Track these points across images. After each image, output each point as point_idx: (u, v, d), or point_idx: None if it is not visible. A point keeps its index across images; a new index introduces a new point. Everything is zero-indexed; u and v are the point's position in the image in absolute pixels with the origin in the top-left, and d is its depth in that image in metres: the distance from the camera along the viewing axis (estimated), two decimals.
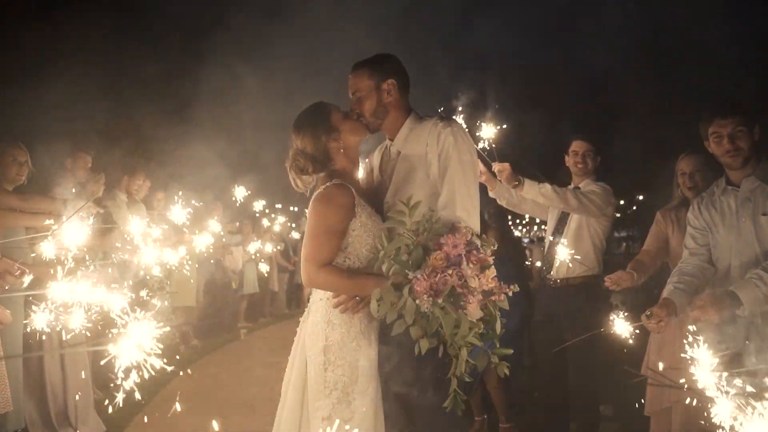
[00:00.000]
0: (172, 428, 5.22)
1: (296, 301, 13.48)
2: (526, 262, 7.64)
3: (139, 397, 1.89)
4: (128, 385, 1.81)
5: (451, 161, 2.62)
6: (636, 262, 3.94)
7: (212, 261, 9.36)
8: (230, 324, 10.60)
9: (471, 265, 2.27)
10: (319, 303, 2.65)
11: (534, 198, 4.13)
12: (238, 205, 10.33)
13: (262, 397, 6.04)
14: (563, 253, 4.03)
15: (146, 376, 1.79)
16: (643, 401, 3.91)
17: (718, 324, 2.83)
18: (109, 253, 4.51)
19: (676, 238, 3.88)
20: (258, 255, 11.10)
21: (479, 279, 2.28)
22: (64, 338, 4.37)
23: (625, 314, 2.92)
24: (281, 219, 13.01)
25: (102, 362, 1.74)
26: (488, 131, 3.94)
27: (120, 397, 1.84)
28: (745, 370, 2.42)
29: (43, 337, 4.32)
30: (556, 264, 4.24)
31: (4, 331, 3.78)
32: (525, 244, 11.52)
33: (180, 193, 6.83)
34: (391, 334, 2.35)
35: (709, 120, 3.05)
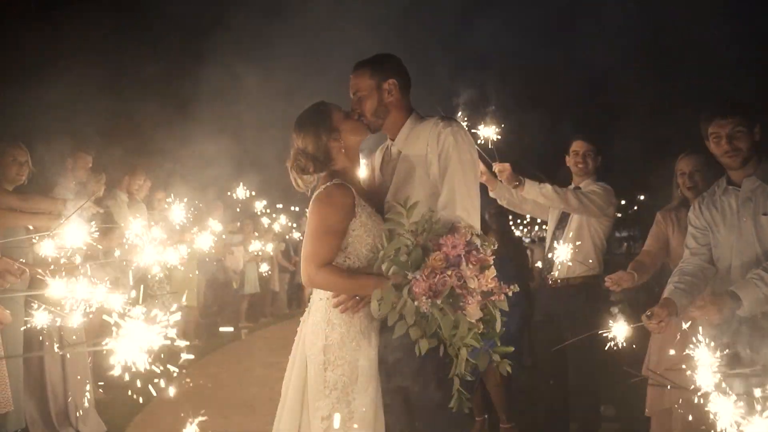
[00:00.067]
0: (172, 428, 5.22)
1: (297, 301, 13.48)
2: (527, 263, 7.63)
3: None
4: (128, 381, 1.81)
5: (451, 161, 2.62)
6: (636, 262, 3.93)
7: (209, 261, 9.35)
8: (231, 324, 10.60)
9: (470, 266, 2.27)
10: (320, 303, 2.64)
11: (535, 198, 4.12)
12: (239, 205, 10.36)
13: (262, 397, 6.03)
14: (564, 253, 4.03)
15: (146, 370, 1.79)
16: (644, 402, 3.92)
17: (719, 324, 2.83)
18: (110, 253, 4.51)
19: (677, 238, 3.88)
20: (259, 255, 11.11)
21: (478, 279, 2.28)
22: (64, 338, 4.39)
23: (626, 314, 2.92)
24: (283, 220, 13.02)
25: (96, 360, 1.74)
26: (488, 131, 3.93)
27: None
28: (746, 371, 2.42)
29: (45, 343, 4.35)
30: (557, 264, 4.24)
31: (4, 331, 3.79)
32: (526, 244, 11.51)
33: (181, 193, 6.84)
34: (393, 336, 2.35)
35: (708, 120, 3.05)
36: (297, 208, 15.43)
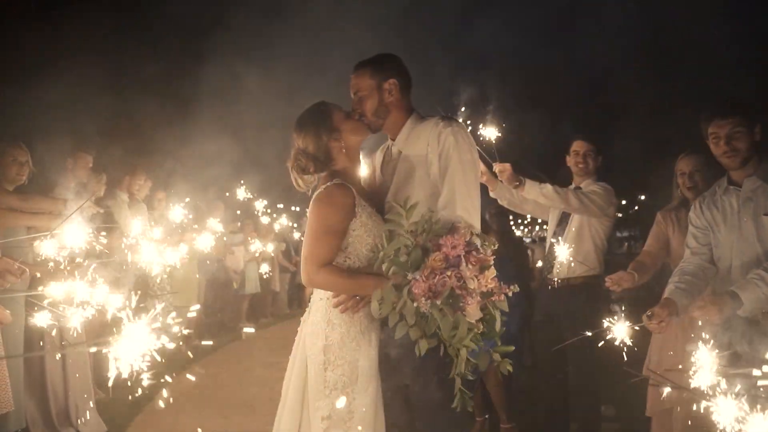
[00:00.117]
0: (173, 428, 5.22)
1: (298, 301, 13.47)
2: (528, 263, 7.62)
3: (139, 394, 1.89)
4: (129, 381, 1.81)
5: (451, 161, 2.62)
6: (637, 262, 3.93)
7: (210, 262, 9.35)
8: (232, 324, 10.59)
9: (470, 266, 2.27)
10: (320, 303, 2.64)
11: (535, 198, 4.12)
12: (240, 205, 10.35)
13: (262, 397, 6.04)
14: (564, 254, 4.03)
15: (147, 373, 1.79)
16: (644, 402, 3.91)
17: (719, 324, 2.83)
18: (111, 252, 4.51)
19: (677, 238, 3.87)
20: (259, 255, 11.11)
21: (478, 280, 2.28)
22: (65, 338, 4.39)
23: (626, 314, 2.91)
24: (284, 220, 13.02)
25: (97, 360, 1.74)
26: (489, 131, 3.94)
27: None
28: (747, 371, 2.41)
29: (46, 343, 4.35)
30: (557, 264, 4.24)
31: (5, 331, 3.79)
32: (527, 244, 11.50)
33: (181, 193, 6.85)
34: (394, 338, 2.35)
35: (708, 120, 3.04)
36: (298, 208, 15.43)
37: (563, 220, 4.39)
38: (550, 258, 4.38)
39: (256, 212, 11.37)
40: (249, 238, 10.99)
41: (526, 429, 4.84)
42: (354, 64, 2.84)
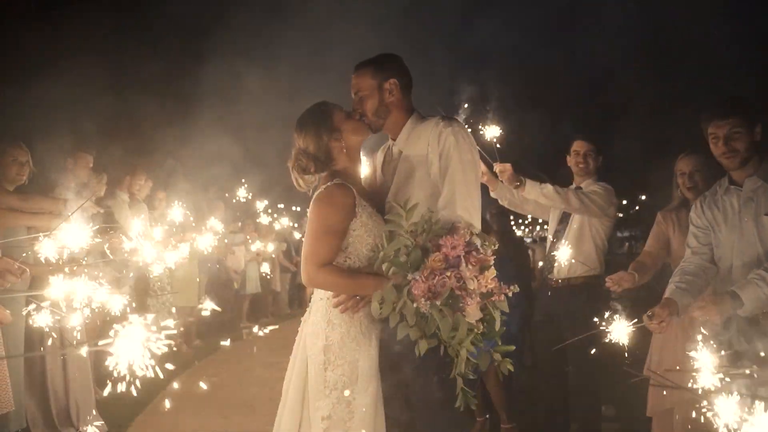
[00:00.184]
0: (173, 428, 5.22)
1: (299, 301, 13.47)
2: (529, 263, 7.62)
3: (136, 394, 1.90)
4: (127, 383, 1.81)
5: (451, 161, 2.62)
6: (637, 263, 3.93)
7: (211, 264, 9.36)
8: (233, 324, 10.59)
9: (470, 267, 2.26)
10: (320, 303, 2.64)
11: (536, 198, 4.12)
12: (241, 203, 10.36)
13: (262, 397, 6.04)
14: (565, 253, 4.03)
15: (149, 374, 1.79)
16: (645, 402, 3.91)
17: (720, 324, 2.83)
18: (112, 252, 4.51)
19: (678, 238, 3.87)
20: (260, 255, 11.12)
21: (478, 280, 2.27)
22: (66, 338, 4.39)
23: (627, 314, 2.91)
24: (286, 221, 13.02)
25: (98, 360, 1.75)
26: (490, 131, 3.94)
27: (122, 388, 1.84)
28: (747, 371, 2.41)
29: (46, 343, 4.35)
30: (558, 264, 4.24)
31: (5, 331, 3.79)
32: (527, 244, 11.49)
33: (182, 193, 6.85)
34: (397, 339, 2.35)
35: (708, 120, 3.04)
36: (298, 208, 15.43)
37: (564, 220, 4.38)
38: (550, 258, 4.38)
39: (257, 212, 11.39)
40: (249, 238, 11.00)
41: (527, 429, 4.84)
42: (354, 64, 2.84)
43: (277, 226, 12.51)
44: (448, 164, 2.62)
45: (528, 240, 17.21)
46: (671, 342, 3.68)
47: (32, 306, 2.59)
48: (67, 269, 2.70)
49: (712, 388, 2.06)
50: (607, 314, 2.75)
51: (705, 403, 2.00)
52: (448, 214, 2.53)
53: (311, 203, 2.63)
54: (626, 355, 2.79)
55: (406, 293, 2.27)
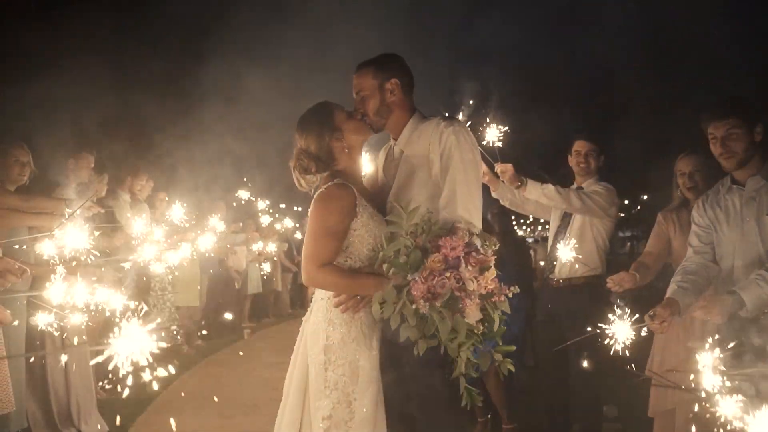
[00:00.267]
0: (174, 428, 5.22)
1: (300, 301, 13.47)
2: (530, 263, 7.61)
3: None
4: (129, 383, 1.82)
5: (452, 160, 2.61)
6: (638, 263, 3.93)
7: (214, 267, 9.37)
8: (234, 324, 10.60)
9: (470, 268, 2.26)
10: (321, 303, 2.64)
11: (537, 199, 4.12)
12: (242, 203, 10.36)
13: (264, 397, 6.03)
14: (566, 254, 4.02)
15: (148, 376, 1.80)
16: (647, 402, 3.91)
17: (722, 324, 2.83)
18: (113, 253, 4.52)
19: (679, 238, 3.87)
20: (261, 255, 11.12)
21: (478, 281, 2.27)
22: (66, 338, 4.39)
23: (628, 314, 2.91)
24: (288, 223, 13.03)
25: (98, 360, 1.75)
26: (491, 131, 3.93)
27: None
28: (749, 371, 2.41)
29: (47, 343, 4.36)
30: (559, 264, 4.23)
31: (6, 331, 3.79)
32: (529, 244, 11.49)
33: (183, 193, 6.85)
34: (400, 340, 2.35)
35: (707, 121, 3.04)
36: (300, 208, 15.42)
37: (565, 220, 4.38)
38: (551, 258, 4.38)
39: (258, 212, 11.40)
40: (255, 238, 11.02)
41: (528, 429, 4.84)
42: (356, 64, 2.84)
43: (278, 226, 12.51)
44: (449, 164, 2.61)
45: (530, 240, 17.20)
46: (673, 342, 3.67)
47: (34, 307, 2.60)
48: (65, 270, 2.69)
49: (714, 389, 2.06)
50: (608, 314, 2.75)
51: (706, 403, 2.00)
52: (449, 213, 2.53)
53: (312, 203, 2.63)
54: (628, 355, 2.78)
55: (405, 294, 2.26)
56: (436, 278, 2.22)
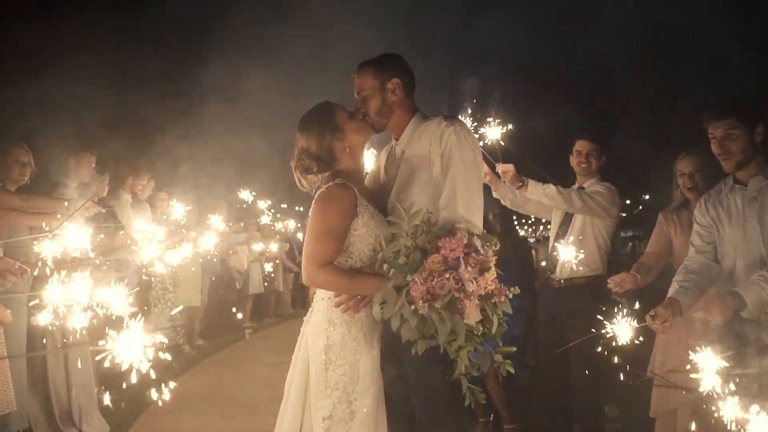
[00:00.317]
0: (175, 428, 5.22)
1: (302, 301, 13.46)
2: (532, 263, 7.60)
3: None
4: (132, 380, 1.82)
5: (453, 160, 2.61)
6: (639, 264, 3.93)
7: (215, 260, 9.36)
8: (235, 324, 10.60)
9: (469, 269, 2.25)
10: (322, 302, 2.64)
11: (538, 199, 4.11)
12: (244, 205, 10.37)
13: (264, 397, 6.03)
14: (567, 254, 4.02)
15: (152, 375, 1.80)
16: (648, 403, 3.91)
17: (723, 325, 2.82)
18: (114, 253, 4.51)
19: (679, 239, 3.87)
20: (263, 255, 11.12)
21: (477, 282, 2.26)
22: (68, 338, 4.39)
23: (630, 314, 2.90)
24: (291, 225, 13.03)
25: (100, 360, 1.75)
26: (491, 131, 3.93)
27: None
28: (750, 372, 2.41)
29: (48, 343, 4.36)
30: (560, 264, 4.23)
31: (7, 331, 3.79)
32: (531, 244, 11.48)
33: (184, 193, 6.85)
34: (401, 341, 2.35)
35: (707, 121, 3.04)
36: (301, 208, 15.43)
37: (566, 220, 4.37)
38: (552, 258, 4.37)
39: (260, 212, 11.39)
40: (256, 238, 11.02)
41: (529, 429, 4.84)
42: (356, 64, 2.84)
43: (279, 226, 12.51)
44: (450, 164, 2.61)
45: (531, 240, 17.18)
46: (675, 342, 3.67)
47: (34, 304, 2.59)
48: (66, 270, 2.69)
49: (715, 389, 2.06)
50: (609, 315, 2.74)
51: (708, 403, 2.00)
52: (449, 213, 2.52)
53: (313, 203, 2.62)
54: (629, 355, 2.78)
55: (404, 295, 2.26)
56: (435, 279, 2.22)
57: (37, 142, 4.70)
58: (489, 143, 3.91)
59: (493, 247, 2.42)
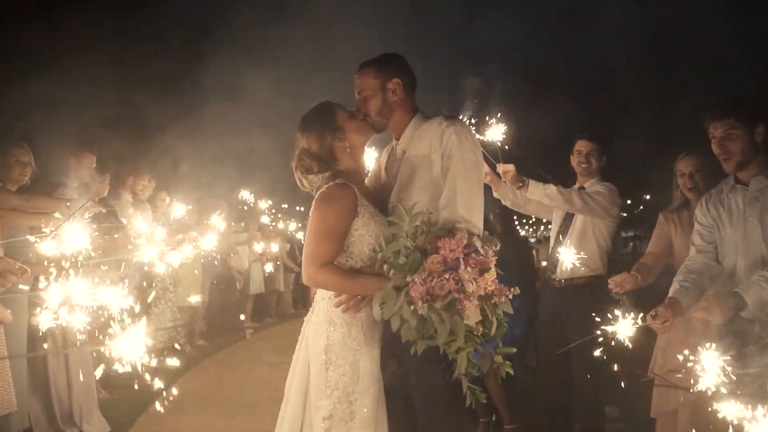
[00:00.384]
0: (175, 428, 5.22)
1: (302, 301, 13.47)
2: (532, 263, 7.60)
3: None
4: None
5: (453, 160, 2.60)
6: (640, 264, 3.92)
7: (216, 262, 9.36)
8: (236, 324, 10.61)
9: (469, 269, 2.25)
10: (322, 302, 2.64)
11: (539, 199, 4.11)
12: (245, 207, 10.38)
13: (265, 397, 6.04)
14: (568, 254, 4.02)
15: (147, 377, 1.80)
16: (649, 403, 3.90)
17: (724, 325, 2.82)
18: (115, 253, 4.51)
19: (680, 239, 3.86)
20: (264, 255, 11.12)
21: (477, 283, 2.26)
22: (68, 338, 4.39)
23: (631, 314, 2.90)
24: (292, 226, 13.03)
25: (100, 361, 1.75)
26: (492, 131, 3.93)
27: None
28: (751, 372, 2.41)
29: (49, 343, 4.35)
30: (561, 264, 4.22)
31: (8, 331, 3.79)
32: (532, 244, 11.48)
33: (185, 193, 6.85)
34: (402, 342, 2.35)
35: (708, 121, 3.04)
36: (302, 208, 15.43)
37: (567, 220, 4.37)
38: (553, 258, 4.37)
39: (261, 212, 11.40)
40: (257, 238, 11.03)
41: (530, 429, 4.83)
42: (357, 64, 2.84)
43: (280, 225, 12.52)
44: (450, 163, 2.60)
45: (532, 240, 17.18)
46: (676, 342, 3.66)
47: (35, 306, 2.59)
48: (67, 270, 2.69)
49: (716, 389, 2.06)
50: (610, 315, 2.74)
51: (709, 403, 2.00)
52: (450, 213, 2.52)
53: (313, 203, 2.62)
54: (630, 356, 2.78)
55: (404, 295, 2.26)
56: (435, 280, 2.22)
57: (38, 142, 4.70)
58: (489, 143, 3.90)
59: (494, 248, 2.41)
